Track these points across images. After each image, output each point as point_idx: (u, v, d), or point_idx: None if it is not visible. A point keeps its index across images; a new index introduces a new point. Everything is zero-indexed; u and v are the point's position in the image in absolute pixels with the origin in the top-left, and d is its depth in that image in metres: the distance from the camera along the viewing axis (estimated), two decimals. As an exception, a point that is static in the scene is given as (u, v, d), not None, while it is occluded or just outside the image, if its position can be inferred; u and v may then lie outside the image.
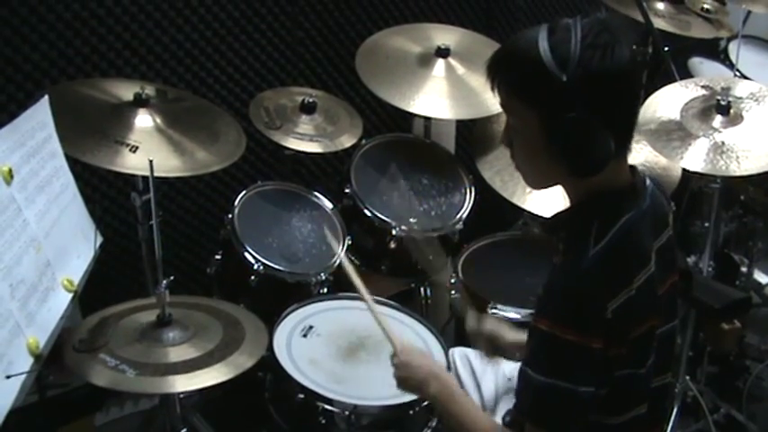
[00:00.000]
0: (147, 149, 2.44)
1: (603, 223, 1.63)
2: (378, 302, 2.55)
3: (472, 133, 3.26)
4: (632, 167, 1.73)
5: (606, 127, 1.57)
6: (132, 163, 2.40)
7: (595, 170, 1.61)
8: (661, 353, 1.74)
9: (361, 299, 2.13)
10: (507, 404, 2.14)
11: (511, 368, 2.28)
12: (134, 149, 2.43)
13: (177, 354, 2.04)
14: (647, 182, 1.76)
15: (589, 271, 1.60)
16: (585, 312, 1.58)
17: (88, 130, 2.43)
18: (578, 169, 1.61)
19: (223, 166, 2.60)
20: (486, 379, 2.29)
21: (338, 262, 2.37)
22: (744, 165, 2.63)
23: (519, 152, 1.71)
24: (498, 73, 1.65)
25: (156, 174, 2.06)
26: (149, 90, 2.60)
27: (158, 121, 2.55)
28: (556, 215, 1.76)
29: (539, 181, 1.76)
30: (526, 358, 1.67)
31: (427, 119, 3.24)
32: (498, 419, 2.03)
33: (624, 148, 1.66)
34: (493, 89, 1.66)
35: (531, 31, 1.60)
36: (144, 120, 2.54)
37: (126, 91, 2.60)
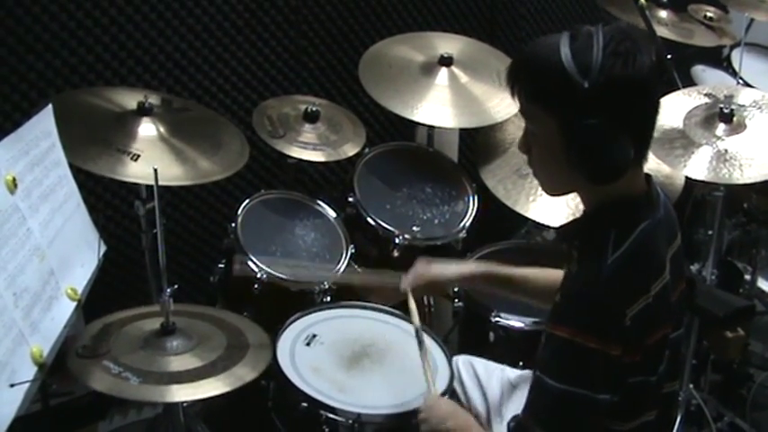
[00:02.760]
0: (150, 158, 2.44)
1: (621, 231, 1.64)
2: (381, 311, 2.56)
3: (475, 142, 3.26)
4: (647, 176, 1.73)
5: (626, 134, 1.58)
6: (134, 172, 2.41)
7: (615, 177, 1.61)
8: (671, 359, 1.75)
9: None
10: (512, 411, 2.14)
11: (516, 375, 2.29)
12: (136, 158, 2.44)
13: (181, 363, 2.04)
14: (660, 192, 1.76)
15: (609, 278, 1.61)
16: (606, 320, 1.59)
17: (91, 139, 2.44)
18: (598, 176, 1.62)
19: (225, 175, 2.61)
20: (492, 386, 2.29)
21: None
22: (747, 173, 2.63)
23: (537, 158, 1.71)
24: (518, 79, 1.65)
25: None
26: (153, 99, 2.61)
27: (161, 129, 2.56)
28: (570, 223, 1.76)
29: (556, 188, 1.76)
30: (541, 366, 1.67)
31: (430, 127, 3.24)
32: (504, 426, 2.03)
33: (642, 156, 1.67)
34: (513, 95, 1.67)
35: (552, 38, 1.61)
36: (147, 129, 2.55)
37: (130, 100, 2.61)
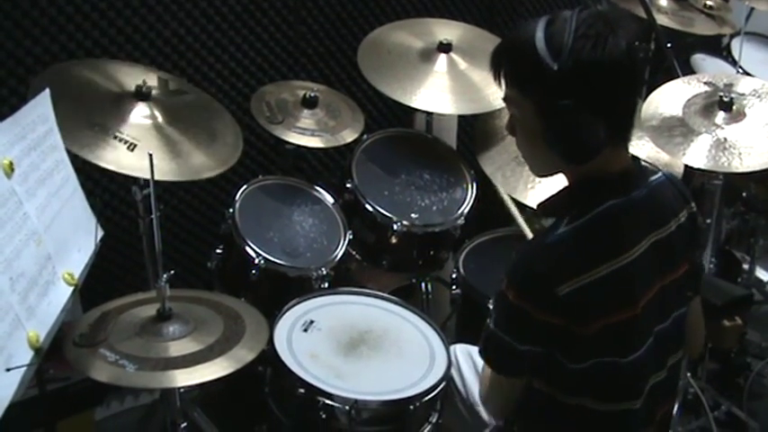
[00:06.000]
0: (146, 148, 2.42)
1: (583, 207, 1.69)
2: (379, 297, 2.56)
3: (474, 128, 3.26)
4: (635, 158, 1.75)
5: (597, 115, 1.61)
6: (131, 162, 2.39)
7: (587, 157, 1.65)
8: (656, 351, 1.78)
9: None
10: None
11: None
12: (132, 148, 2.42)
13: (177, 348, 2.04)
14: (656, 176, 1.78)
15: (549, 247, 1.69)
16: (531, 284, 1.67)
17: (87, 120, 2.41)
18: (571, 156, 1.66)
19: (218, 172, 2.58)
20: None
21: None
22: (746, 161, 2.63)
23: (520, 140, 1.77)
24: (499, 63, 1.70)
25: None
26: (151, 80, 2.59)
27: (157, 117, 2.54)
28: (548, 198, 1.80)
29: (541, 168, 1.81)
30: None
31: (429, 114, 3.24)
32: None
33: (619, 136, 1.69)
34: (496, 79, 1.71)
35: (533, 23, 1.65)
36: (143, 114, 2.52)
37: (128, 78, 2.60)
